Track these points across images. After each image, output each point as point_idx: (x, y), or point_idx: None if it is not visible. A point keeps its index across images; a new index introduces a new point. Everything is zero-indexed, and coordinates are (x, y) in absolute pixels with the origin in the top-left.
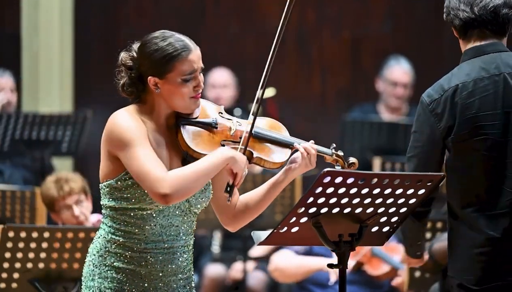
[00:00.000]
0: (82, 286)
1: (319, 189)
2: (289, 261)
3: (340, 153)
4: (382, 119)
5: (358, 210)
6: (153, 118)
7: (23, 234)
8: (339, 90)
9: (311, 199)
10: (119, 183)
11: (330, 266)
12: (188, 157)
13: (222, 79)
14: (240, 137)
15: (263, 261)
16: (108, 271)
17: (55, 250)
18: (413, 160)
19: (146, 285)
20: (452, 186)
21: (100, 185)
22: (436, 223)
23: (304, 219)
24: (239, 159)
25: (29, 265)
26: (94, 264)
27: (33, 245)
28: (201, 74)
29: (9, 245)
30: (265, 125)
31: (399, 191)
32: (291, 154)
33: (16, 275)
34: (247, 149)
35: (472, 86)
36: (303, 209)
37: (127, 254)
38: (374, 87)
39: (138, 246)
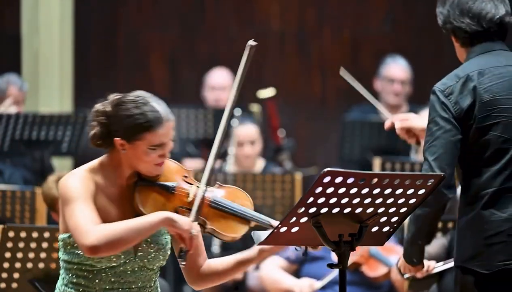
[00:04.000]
0: None
1: (319, 189)
2: (270, 274)
3: None
4: (382, 119)
5: (358, 210)
6: (115, 174)
7: (23, 234)
8: (339, 90)
9: (311, 199)
10: (71, 238)
11: (330, 266)
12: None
13: (222, 81)
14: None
15: (263, 261)
16: None
17: (55, 250)
18: (434, 145)
19: None
20: (469, 169)
21: (58, 237)
22: None
23: (304, 219)
24: (179, 220)
25: (29, 265)
26: None
27: (33, 245)
28: (171, 142)
29: (9, 245)
30: (229, 194)
31: (399, 191)
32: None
33: (16, 275)
34: (202, 217)
35: (488, 72)
36: (303, 209)
37: None
38: (373, 87)
39: None
